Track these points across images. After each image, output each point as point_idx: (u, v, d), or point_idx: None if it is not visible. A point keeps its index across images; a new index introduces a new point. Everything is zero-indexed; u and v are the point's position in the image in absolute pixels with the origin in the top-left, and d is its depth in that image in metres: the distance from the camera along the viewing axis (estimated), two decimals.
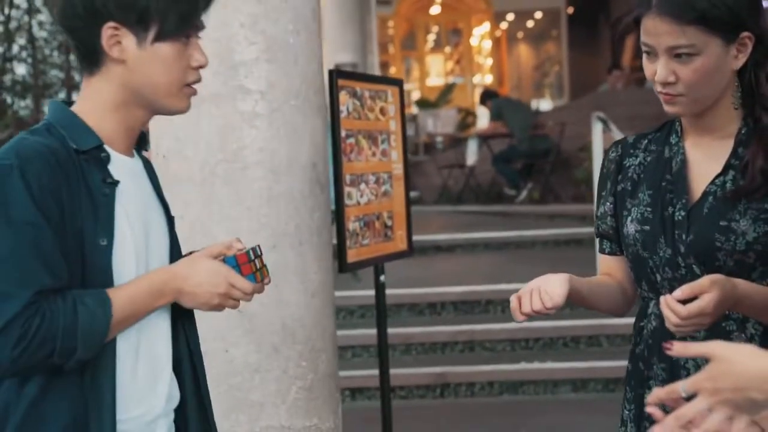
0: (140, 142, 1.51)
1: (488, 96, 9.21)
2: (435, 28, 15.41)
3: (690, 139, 1.60)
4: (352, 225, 2.99)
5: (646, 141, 1.65)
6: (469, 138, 9.37)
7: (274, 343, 2.51)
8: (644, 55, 1.53)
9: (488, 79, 14.89)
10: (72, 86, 7.66)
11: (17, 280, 1.28)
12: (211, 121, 2.47)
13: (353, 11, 9.74)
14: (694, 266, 1.54)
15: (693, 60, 1.48)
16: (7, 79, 6.39)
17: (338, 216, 2.93)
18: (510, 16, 17.16)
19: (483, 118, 11.03)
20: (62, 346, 1.29)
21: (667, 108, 1.54)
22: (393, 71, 14.46)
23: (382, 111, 3.20)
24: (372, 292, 4.91)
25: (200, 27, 1.48)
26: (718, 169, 1.54)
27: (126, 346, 1.40)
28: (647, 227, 1.59)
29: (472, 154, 8.95)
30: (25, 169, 1.29)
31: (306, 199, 2.57)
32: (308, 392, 2.57)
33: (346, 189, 2.96)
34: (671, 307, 1.40)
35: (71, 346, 1.30)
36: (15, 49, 6.78)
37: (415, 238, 6.57)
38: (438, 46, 15.42)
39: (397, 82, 3.35)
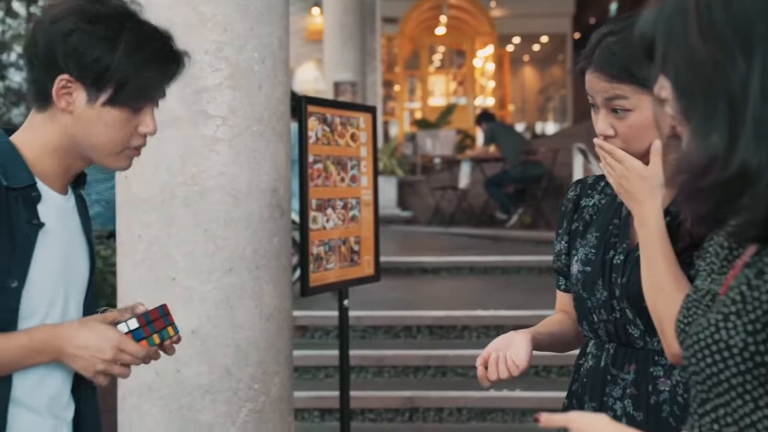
0: (78, 179, 1.51)
1: (484, 118, 9.19)
2: (439, 49, 15.49)
3: None
4: (316, 249, 3.02)
5: (603, 183, 1.69)
6: (462, 161, 9.37)
7: (226, 364, 2.54)
8: (592, 108, 1.57)
9: (490, 101, 14.92)
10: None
11: None
12: (172, 144, 2.49)
13: (354, 31, 9.77)
14: (627, 310, 1.58)
15: (628, 115, 1.51)
16: (1, 86, 6.43)
17: (302, 240, 2.97)
18: (516, 39, 17.25)
19: (481, 141, 11.08)
20: None
21: None
22: (397, 90, 14.52)
23: (353, 137, 3.24)
24: (355, 313, 4.96)
25: (159, 98, 1.46)
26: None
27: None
28: (588, 268, 1.63)
29: (464, 176, 8.96)
30: None
31: (265, 223, 2.59)
32: (259, 415, 2.58)
33: (312, 213, 3.00)
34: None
35: None
36: (13, 56, 6.82)
37: (400, 259, 6.70)
38: (442, 67, 15.49)
39: (371, 109, 3.38)
